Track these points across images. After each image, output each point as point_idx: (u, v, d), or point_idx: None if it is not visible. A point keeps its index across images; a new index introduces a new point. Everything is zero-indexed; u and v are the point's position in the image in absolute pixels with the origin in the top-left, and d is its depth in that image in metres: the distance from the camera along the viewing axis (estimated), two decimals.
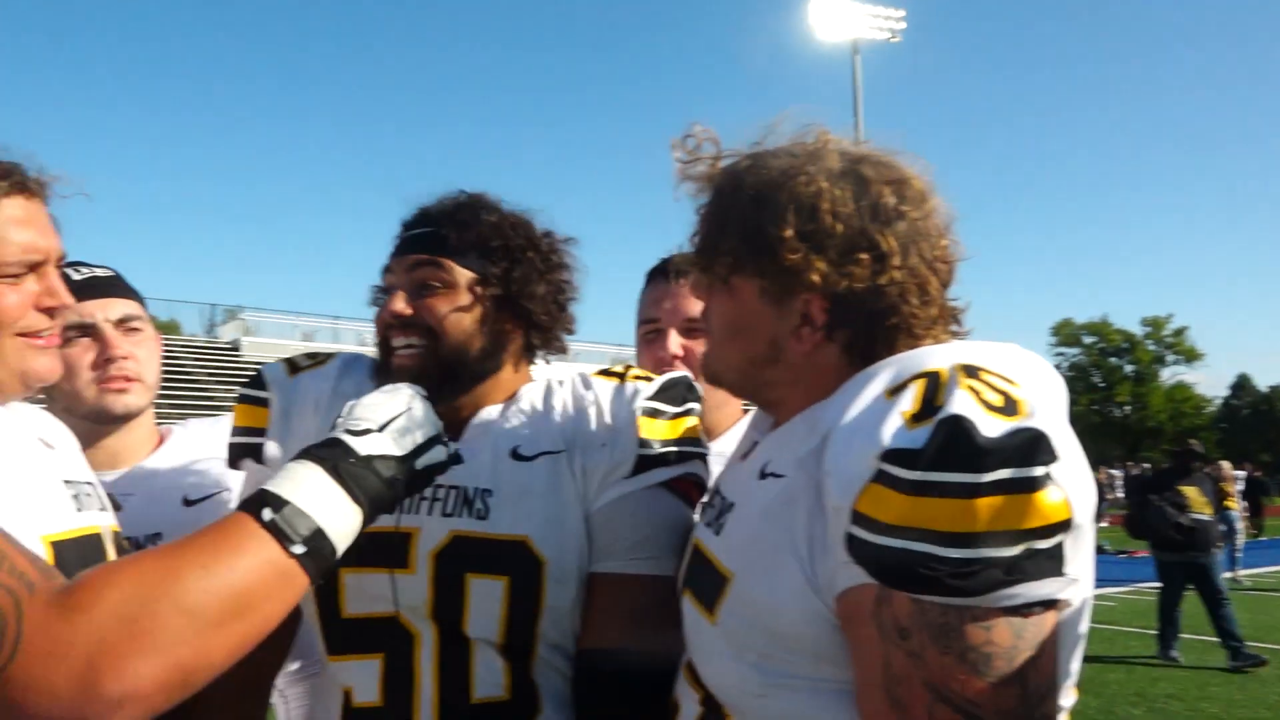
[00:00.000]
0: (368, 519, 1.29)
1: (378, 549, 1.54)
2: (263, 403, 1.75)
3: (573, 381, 1.76)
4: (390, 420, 1.36)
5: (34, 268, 1.39)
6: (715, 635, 1.29)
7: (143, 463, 2.18)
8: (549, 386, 1.76)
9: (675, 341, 2.13)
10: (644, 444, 1.64)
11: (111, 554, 1.47)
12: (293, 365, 1.80)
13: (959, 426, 1.05)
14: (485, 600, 1.57)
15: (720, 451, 2.05)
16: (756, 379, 1.39)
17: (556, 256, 1.75)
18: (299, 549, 1.19)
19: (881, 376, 1.20)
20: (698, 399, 1.75)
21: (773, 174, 1.31)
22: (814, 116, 1.37)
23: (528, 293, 1.68)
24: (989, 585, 1.02)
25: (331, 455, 1.29)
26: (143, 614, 1.06)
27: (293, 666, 2.20)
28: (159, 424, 2.34)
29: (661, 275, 2.20)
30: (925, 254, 1.29)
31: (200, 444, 2.26)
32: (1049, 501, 1.03)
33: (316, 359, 1.82)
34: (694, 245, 1.41)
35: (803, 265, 1.26)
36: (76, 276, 2.10)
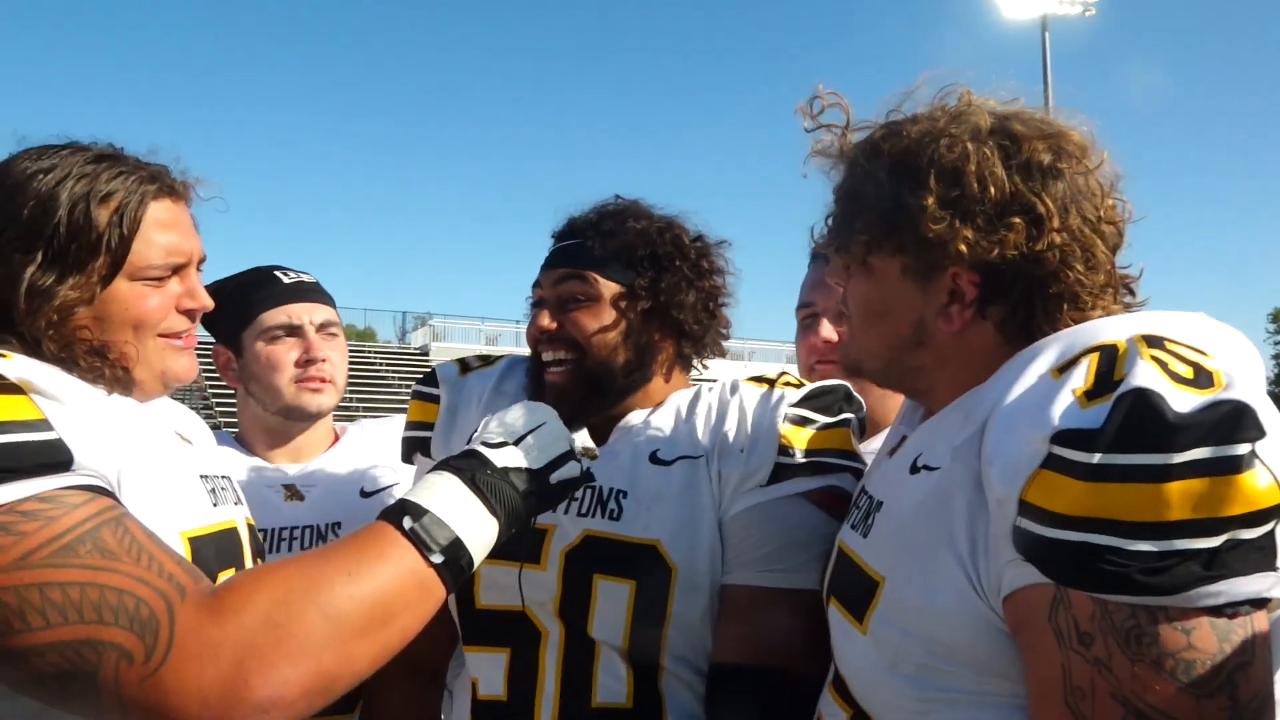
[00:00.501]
0: (504, 530, 1.28)
1: (513, 543, 1.49)
2: (434, 399, 1.80)
3: (721, 387, 1.72)
4: (525, 434, 1.36)
5: (176, 270, 1.41)
6: (866, 646, 1.18)
7: (322, 456, 2.28)
8: (697, 392, 1.72)
9: (829, 327, 2.03)
10: (784, 452, 1.56)
11: (247, 548, 1.49)
12: (464, 365, 1.85)
13: (1144, 401, 0.92)
14: (610, 602, 1.53)
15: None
16: (901, 365, 1.28)
17: (707, 262, 1.70)
18: (438, 558, 1.19)
19: (1046, 354, 1.08)
20: (857, 409, 1.66)
21: (910, 139, 1.20)
22: (955, 78, 1.27)
23: (676, 302, 1.64)
24: (1186, 582, 0.89)
25: (469, 466, 1.29)
26: (290, 619, 1.07)
27: None
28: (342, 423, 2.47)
29: (819, 258, 2.09)
30: (1088, 214, 1.16)
31: (374, 441, 2.36)
32: (1255, 484, 0.88)
33: (487, 360, 1.86)
34: (828, 225, 1.32)
35: (947, 235, 1.15)
36: (285, 280, 2.24)
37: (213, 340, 2.26)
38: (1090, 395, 0.97)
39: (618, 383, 1.66)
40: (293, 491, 2.18)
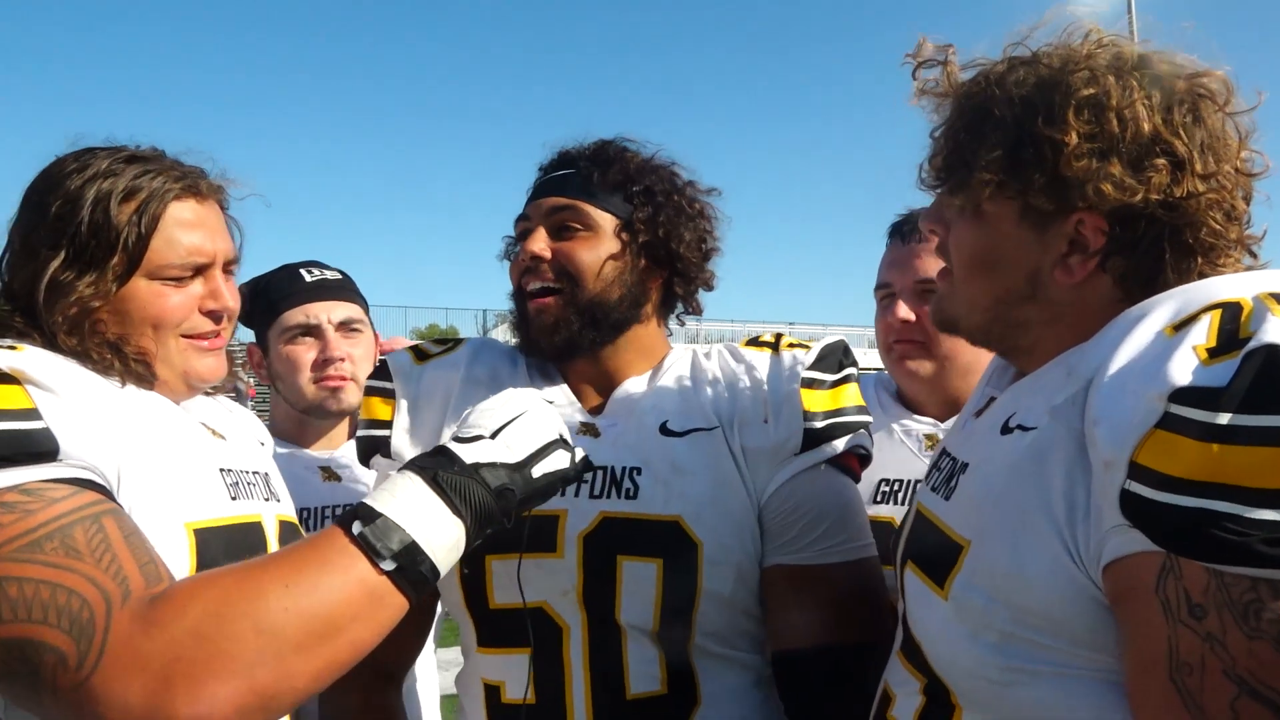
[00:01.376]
0: (472, 531, 1.20)
1: (514, 536, 1.44)
2: (389, 394, 1.67)
3: (719, 353, 1.66)
4: (503, 426, 1.28)
5: (200, 270, 1.41)
6: (947, 612, 1.12)
7: (351, 441, 2.29)
8: (695, 357, 1.66)
9: (904, 308, 1.96)
10: (809, 417, 1.53)
11: (273, 544, 1.46)
12: (420, 353, 1.71)
13: (1276, 359, 0.85)
14: (639, 584, 1.47)
15: None
16: (1006, 321, 1.20)
17: (700, 204, 1.65)
18: (388, 565, 1.12)
19: (1159, 310, 1.01)
20: (854, 363, 1.63)
21: (1045, 71, 1.12)
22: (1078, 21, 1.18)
23: (676, 235, 1.58)
24: None
25: (433, 464, 1.21)
26: (220, 633, 1.02)
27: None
28: None
29: (896, 235, 2.04)
30: (1227, 162, 1.08)
31: None
32: None
33: (446, 345, 1.74)
34: (937, 166, 1.23)
35: (1088, 175, 1.06)
36: (308, 278, 2.27)
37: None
38: (1214, 353, 0.90)
39: (611, 317, 1.58)
40: (329, 472, 2.22)
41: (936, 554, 1.18)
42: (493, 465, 1.23)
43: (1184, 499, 0.87)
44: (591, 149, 1.64)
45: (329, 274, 2.32)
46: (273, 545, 1.46)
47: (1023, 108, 1.11)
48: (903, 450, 1.97)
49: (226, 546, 1.33)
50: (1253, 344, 0.87)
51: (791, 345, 1.63)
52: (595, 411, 1.63)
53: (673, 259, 1.60)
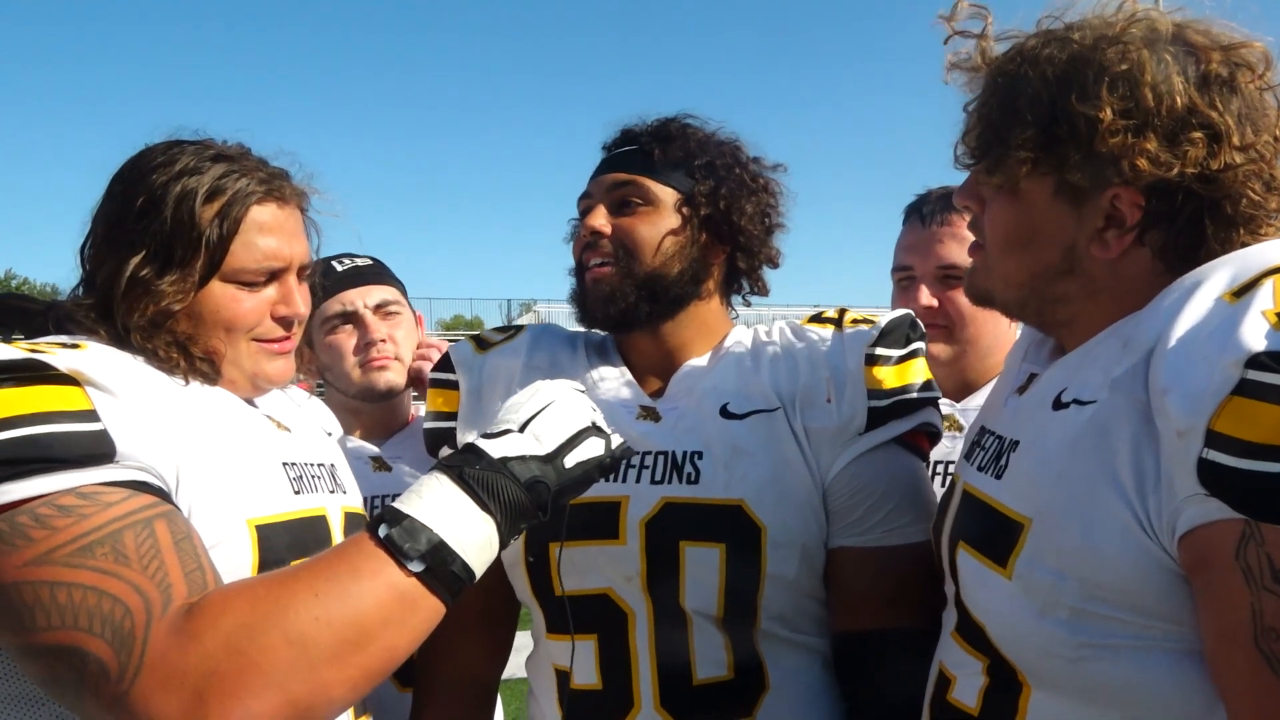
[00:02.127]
0: (504, 528, 1.18)
1: (587, 520, 1.46)
2: (452, 385, 1.67)
3: (780, 330, 1.63)
4: (532, 417, 1.26)
5: (274, 275, 1.40)
6: (1012, 591, 1.12)
7: (404, 430, 2.31)
8: (757, 336, 1.64)
9: (926, 294, 1.95)
10: (874, 395, 1.49)
11: (338, 537, 1.45)
12: (481, 342, 1.71)
13: None
14: (702, 569, 1.45)
15: (981, 405, 1.87)
16: (1043, 296, 1.20)
17: (763, 179, 1.64)
18: (417, 566, 1.10)
19: (1215, 277, 1.01)
20: (922, 337, 1.59)
21: (1077, 47, 1.12)
22: None
23: (738, 208, 1.57)
24: None
25: (460, 461, 1.20)
26: (252, 646, 1.01)
27: None
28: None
29: (916, 217, 2.02)
30: (1266, 133, 1.08)
31: None
32: None
33: (507, 333, 1.73)
34: (972, 144, 1.23)
35: (1123, 150, 1.06)
36: (339, 268, 2.26)
37: None
38: None
39: (671, 292, 1.57)
40: (380, 463, 2.21)
41: (994, 533, 1.17)
42: (522, 458, 1.21)
43: (1267, 464, 0.87)
44: (654, 126, 1.63)
45: (360, 261, 2.33)
46: (338, 538, 1.45)
47: (1057, 85, 1.11)
48: None
49: (290, 541, 1.32)
50: None
51: (855, 321, 1.60)
52: (656, 395, 1.62)
53: (735, 233, 1.59)
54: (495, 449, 1.21)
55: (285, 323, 1.42)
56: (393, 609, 1.09)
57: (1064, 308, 1.20)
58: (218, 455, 1.26)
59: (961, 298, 1.87)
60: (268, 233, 1.38)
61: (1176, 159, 1.06)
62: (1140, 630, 1.01)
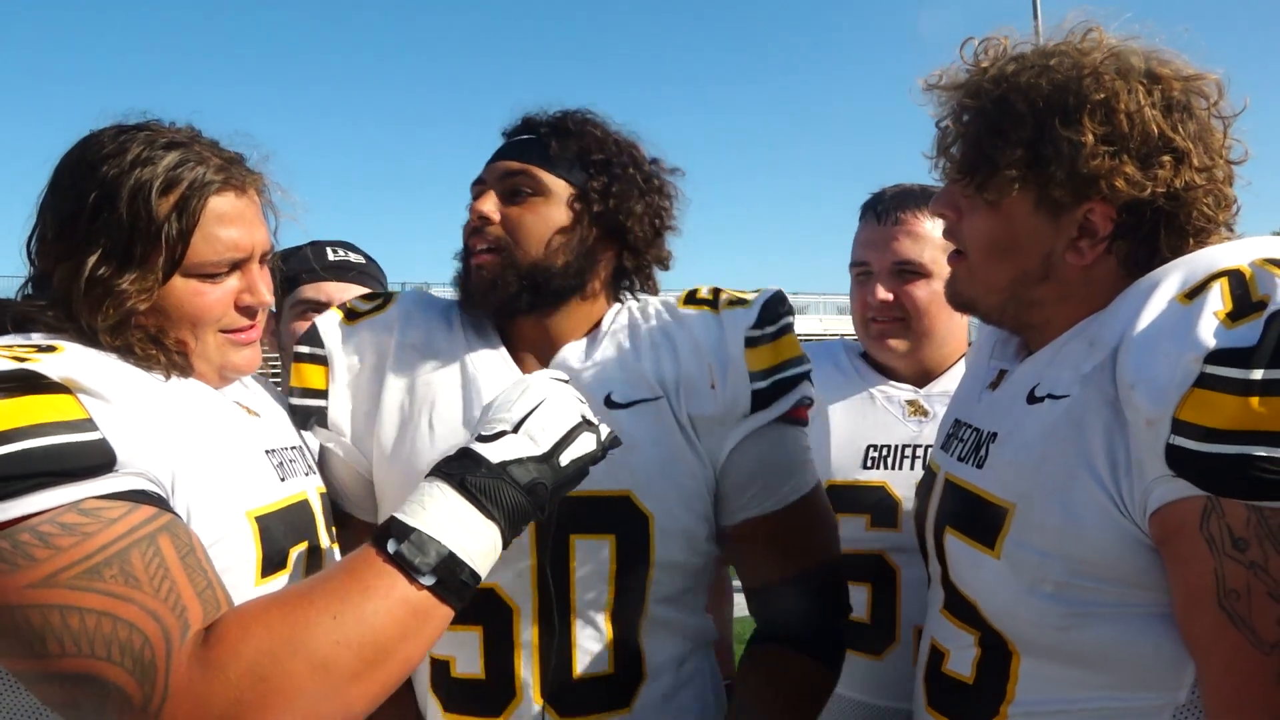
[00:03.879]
0: (507, 533, 1.20)
1: None
2: (320, 360, 1.61)
3: (657, 312, 1.63)
4: (525, 416, 1.26)
5: (236, 266, 1.37)
6: (1001, 569, 1.24)
7: None
8: (633, 317, 1.64)
9: (882, 290, 2.03)
10: (754, 377, 1.53)
11: (320, 518, 1.46)
12: (350, 313, 1.65)
13: None
14: (591, 560, 1.50)
15: (945, 390, 1.98)
16: (1021, 301, 1.32)
17: (658, 181, 1.65)
18: (429, 580, 1.12)
19: (1168, 280, 1.14)
20: (790, 311, 1.63)
21: (1059, 76, 1.23)
22: (1081, 17, 1.30)
23: (626, 209, 1.58)
24: None
25: (460, 469, 1.19)
26: (276, 673, 1.02)
27: None
28: None
29: (872, 215, 2.10)
30: (1215, 152, 1.22)
31: None
32: None
33: (376, 301, 1.67)
34: (958, 161, 1.33)
35: (1104, 171, 1.19)
36: (331, 257, 2.27)
37: None
38: (1234, 316, 1.03)
39: (554, 284, 1.56)
40: None
41: (981, 518, 1.29)
42: (520, 461, 1.21)
43: (1225, 447, 1.00)
44: (554, 117, 1.63)
45: (354, 257, 2.33)
46: (320, 520, 1.46)
47: (1043, 109, 1.22)
48: (886, 416, 2.07)
49: (285, 529, 1.33)
50: (1274, 306, 1.00)
51: (731, 302, 1.61)
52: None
53: (623, 232, 1.60)
54: (494, 453, 1.21)
55: (249, 312, 1.40)
56: (408, 623, 1.11)
57: (1039, 311, 1.31)
58: (209, 451, 1.25)
59: (917, 291, 2.00)
60: (228, 223, 1.34)
61: (1149, 180, 1.19)
62: (1119, 598, 1.14)
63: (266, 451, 1.40)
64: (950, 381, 2.00)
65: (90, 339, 1.26)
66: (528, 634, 1.51)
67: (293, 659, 1.04)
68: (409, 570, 1.12)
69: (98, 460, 1.08)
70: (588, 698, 1.51)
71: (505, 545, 1.21)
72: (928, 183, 2.01)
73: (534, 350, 1.63)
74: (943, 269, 2.01)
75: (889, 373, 2.12)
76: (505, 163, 1.59)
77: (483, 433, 1.26)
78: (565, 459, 1.26)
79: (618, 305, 1.67)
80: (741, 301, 1.60)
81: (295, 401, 1.62)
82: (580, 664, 1.51)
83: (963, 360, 2.05)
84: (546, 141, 1.59)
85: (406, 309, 1.65)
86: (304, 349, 1.62)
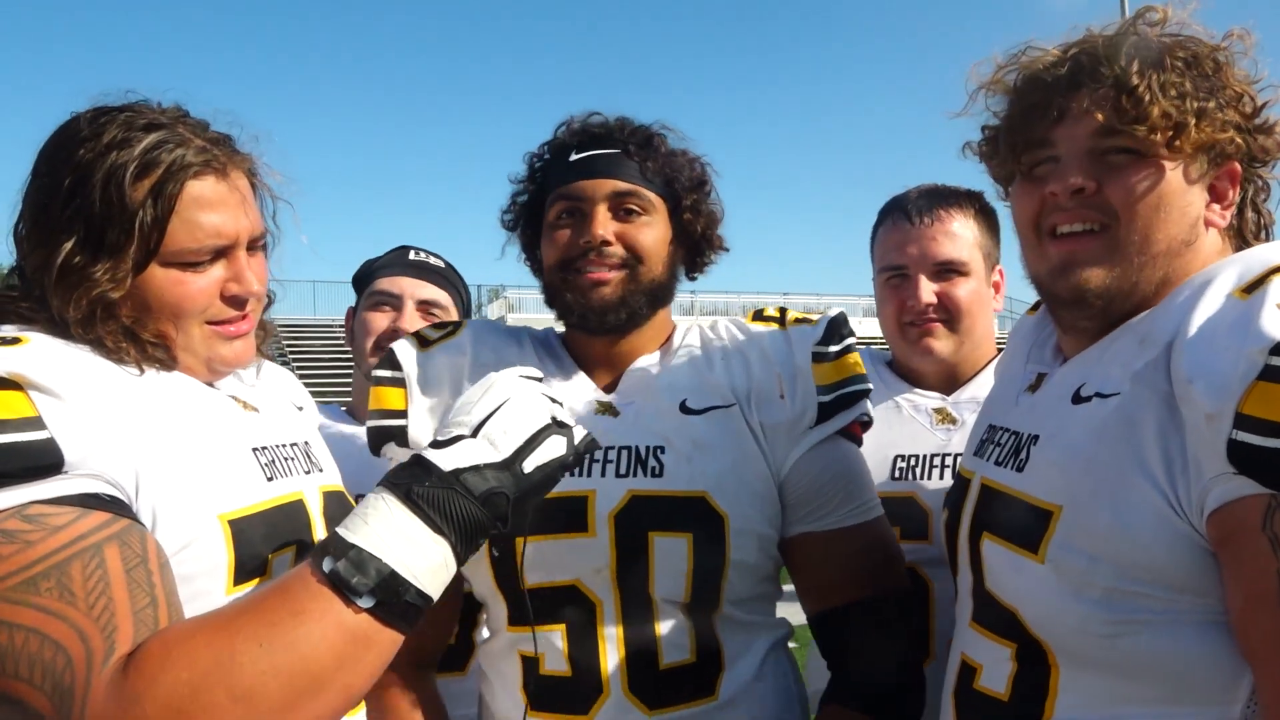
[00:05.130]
0: (459, 548, 1.09)
1: (554, 515, 1.48)
2: (399, 383, 1.64)
3: (726, 328, 1.71)
4: (486, 419, 1.16)
5: (221, 253, 1.28)
6: (1045, 575, 1.18)
7: None
8: (704, 334, 1.71)
9: (927, 288, 1.96)
10: (820, 390, 1.60)
11: (316, 519, 1.37)
12: (423, 340, 1.70)
13: None
14: (670, 558, 1.51)
15: (973, 397, 1.94)
16: (1167, 270, 1.24)
17: (715, 191, 1.74)
18: (367, 602, 1.03)
19: (1223, 277, 1.10)
20: (852, 333, 1.68)
21: (1194, 49, 1.23)
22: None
23: (712, 224, 1.70)
24: None
25: (407, 479, 1.10)
26: (194, 706, 0.94)
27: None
28: None
29: (901, 216, 2.02)
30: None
31: None
32: None
33: (446, 330, 1.72)
34: (1109, 112, 1.23)
35: (1241, 126, 1.22)
36: (412, 257, 2.36)
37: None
38: None
39: (661, 300, 1.66)
40: None
41: (1022, 523, 1.23)
42: (476, 469, 1.11)
43: None
44: (635, 132, 1.66)
45: (431, 259, 2.37)
46: (317, 521, 1.38)
47: (1189, 62, 1.21)
48: (914, 425, 2.00)
49: (267, 533, 1.24)
50: None
51: (798, 320, 1.69)
52: (607, 390, 1.66)
53: (704, 246, 1.70)
54: (446, 460, 1.11)
55: (237, 302, 1.31)
56: (345, 649, 1.02)
57: (1157, 293, 1.21)
58: (181, 449, 1.17)
59: (958, 290, 1.95)
60: (208, 208, 1.24)
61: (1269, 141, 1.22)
62: (1171, 604, 1.08)
63: (254, 449, 1.31)
64: (978, 388, 1.95)
65: (63, 330, 1.19)
66: (611, 629, 1.53)
67: (214, 690, 0.95)
68: (345, 591, 1.02)
69: (44, 460, 1.01)
70: (673, 689, 1.53)
71: (460, 561, 1.11)
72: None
73: (604, 363, 1.67)
74: (979, 267, 1.98)
75: (916, 381, 2.06)
76: (612, 182, 1.61)
77: (439, 437, 1.17)
78: (530, 465, 1.15)
79: (685, 322, 1.74)
80: (807, 320, 1.68)
81: (373, 424, 1.64)
82: (665, 655, 1.52)
83: (991, 365, 1.99)
84: (641, 159, 1.62)
85: (477, 333, 1.70)
86: (383, 373, 1.65)
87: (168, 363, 1.26)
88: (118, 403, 1.13)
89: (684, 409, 1.59)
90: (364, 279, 2.37)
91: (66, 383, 1.07)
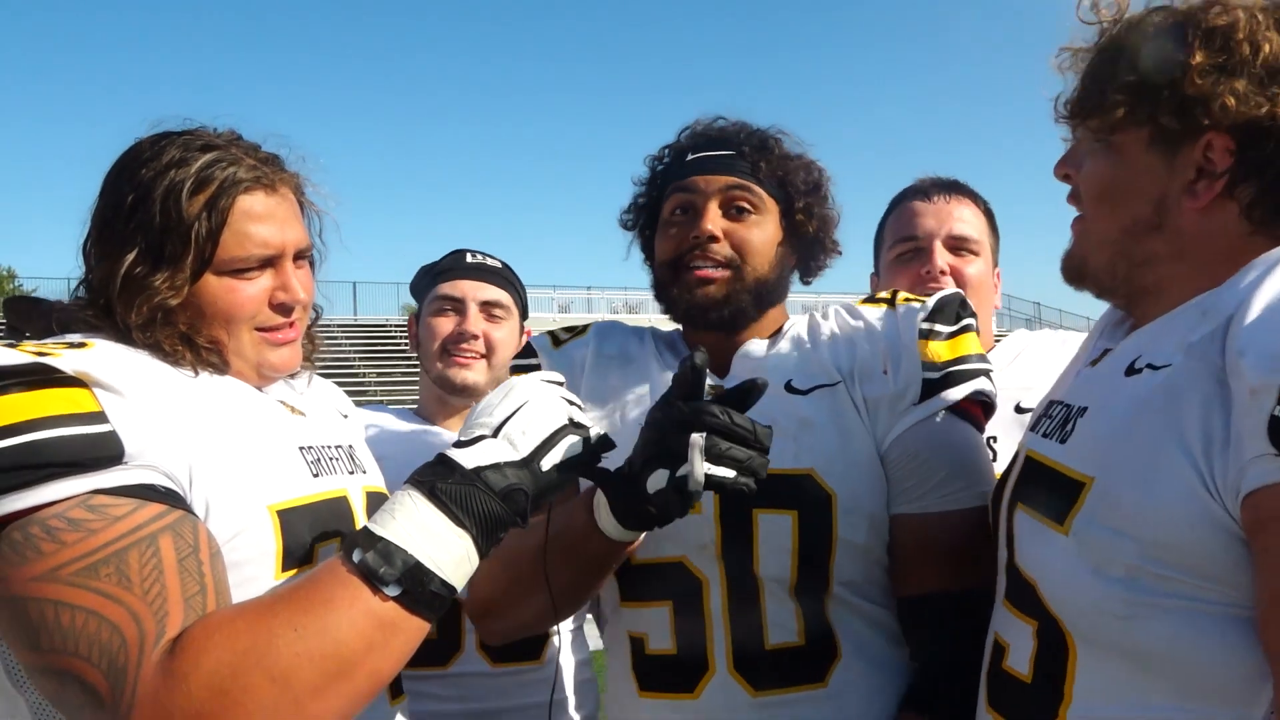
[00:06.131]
0: (481, 542, 1.17)
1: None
2: (534, 368, 1.73)
3: (836, 312, 1.71)
4: (506, 420, 1.24)
5: (269, 263, 1.39)
6: (1068, 547, 1.13)
7: None
8: (812, 319, 1.71)
9: (943, 257, 1.96)
10: (927, 367, 1.55)
11: (360, 517, 1.46)
12: (555, 338, 1.80)
13: None
14: (775, 535, 1.50)
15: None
16: (1133, 257, 1.22)
17: (831, 194, 1.74)
18: (394, 590, 1.10)
19: None
20: (972, 314, 1.65)
21: (1178, 13, 1.17)
22: None
23: (825, 228, 1.71)
24: None
25: (431, 476, 1.18)
26: (235, 686, 1.01)
27: None
28: None
29: (919, 195, 2.06)
30: None
31: None
32: None
33: (575, 331, 1.82)
34: (1071, 103, 1.27)
35: (1211, 91, 1.11)
36: (469, 259, 2.40)
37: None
38: None
39: (773, 298, 1.68)
40: None
41: (1053, 493, 1.18)
42: (496, 466, 1.19)
43: None
44: (751, 135, 1.69)
45: (489, 260, 2.43)
46: (360, 518, 1.46)
47: (1154, 40, 1.16)
48: None
49: (312, 524, 1.32)
50: None
51: (907, 299, 1.67)
52: (720, 373, 1.68)
53: (821, 250, 1.74)
54: (468, 459, 1.19)
55: (284, 309, 1.41)
56: (373, 635, 1.09)
57: (1151, 271, 1.21)
58: (233, 444, 1.26)
59: (969, 267, 1.96)
60: (258, 221, 1.36)
61: (1267, 100, 1.09)
62: (1193, 591, 1.02)
63: (301, 448, 1.40)
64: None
65: (125, 337, 1.29)
66: (717, 606, 1.52)
67: (252, 672, 1.03)
68: (373, 580, 1.10)
69: (107, 452, 1.09)
70: (780, 670, 1.50)
71: (482, 554, 1.18)
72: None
73: (721, 352, 1.68)
74: (986, 255, 1.99)
75: None
76: (725, 177, 1.64)
77: (462, 437, 1.24)
78: (547, 463, 1.23)
79: (797, 315, 1.76)
80: (919, 300, 1.65)
81: (515, 363, 1.76)
82: (771, 635, 1.50)
83: (995, 353, 2.01)
84: (755, 160, 1.65)
85: (601, 329, 1.80)
86: (519, 362, 1.77)
87: (221, 367, 1.37)
88: (174, 401, 1.22)
89: (789, 389, 1.59)
90: (423, 285, 2.42)
91: (127, 382, 1.16)
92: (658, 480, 1.25)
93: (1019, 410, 1.91)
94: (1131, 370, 1.16)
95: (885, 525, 1.54)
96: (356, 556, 1.11)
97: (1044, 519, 1.19)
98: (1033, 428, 1.37)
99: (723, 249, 1.62)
